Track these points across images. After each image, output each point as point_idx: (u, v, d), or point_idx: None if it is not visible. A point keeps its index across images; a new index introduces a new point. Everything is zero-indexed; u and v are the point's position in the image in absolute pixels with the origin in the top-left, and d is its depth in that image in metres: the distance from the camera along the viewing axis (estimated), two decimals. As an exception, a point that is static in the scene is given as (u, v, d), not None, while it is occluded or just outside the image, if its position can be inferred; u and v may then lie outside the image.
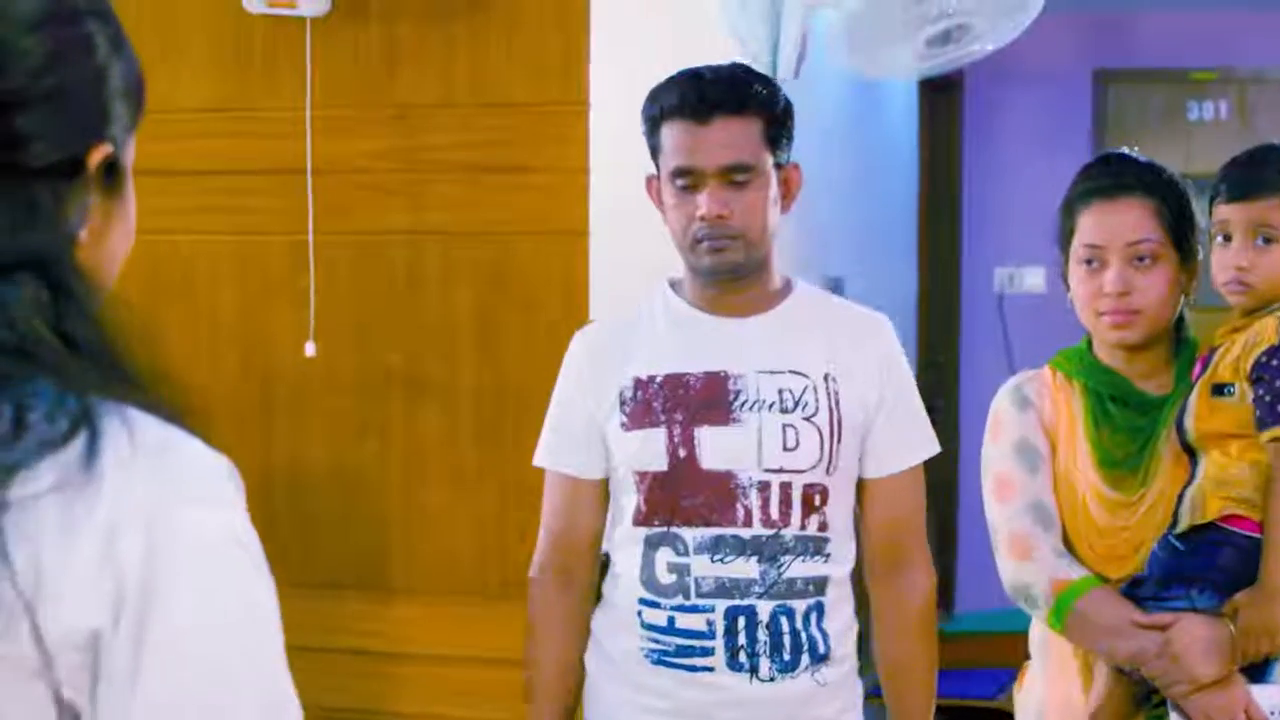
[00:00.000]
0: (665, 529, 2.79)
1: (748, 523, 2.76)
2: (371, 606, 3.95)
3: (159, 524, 1.19)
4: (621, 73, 3.81)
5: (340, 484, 3.96)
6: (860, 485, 2.88)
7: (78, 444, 1.18)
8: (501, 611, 3.79)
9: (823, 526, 2.79)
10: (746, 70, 2.84)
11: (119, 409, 1.23)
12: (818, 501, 2.79)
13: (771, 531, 2.76)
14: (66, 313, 1.23)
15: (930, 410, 3.00)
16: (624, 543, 2.87)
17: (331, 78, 3.91)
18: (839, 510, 2.82)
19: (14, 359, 1.20)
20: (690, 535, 2.77)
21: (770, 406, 2.77)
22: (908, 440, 2.89)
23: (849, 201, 5.90)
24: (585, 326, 3.05)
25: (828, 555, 2.80)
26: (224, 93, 4.00)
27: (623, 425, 2.83)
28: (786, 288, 2.90)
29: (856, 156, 6.18)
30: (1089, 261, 2.80)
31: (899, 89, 6.96)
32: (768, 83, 2.84)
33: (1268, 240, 2.70)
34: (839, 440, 2.79)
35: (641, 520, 2.82)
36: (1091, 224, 2.81)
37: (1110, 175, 2.84)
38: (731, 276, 2.81)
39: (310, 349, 3.90)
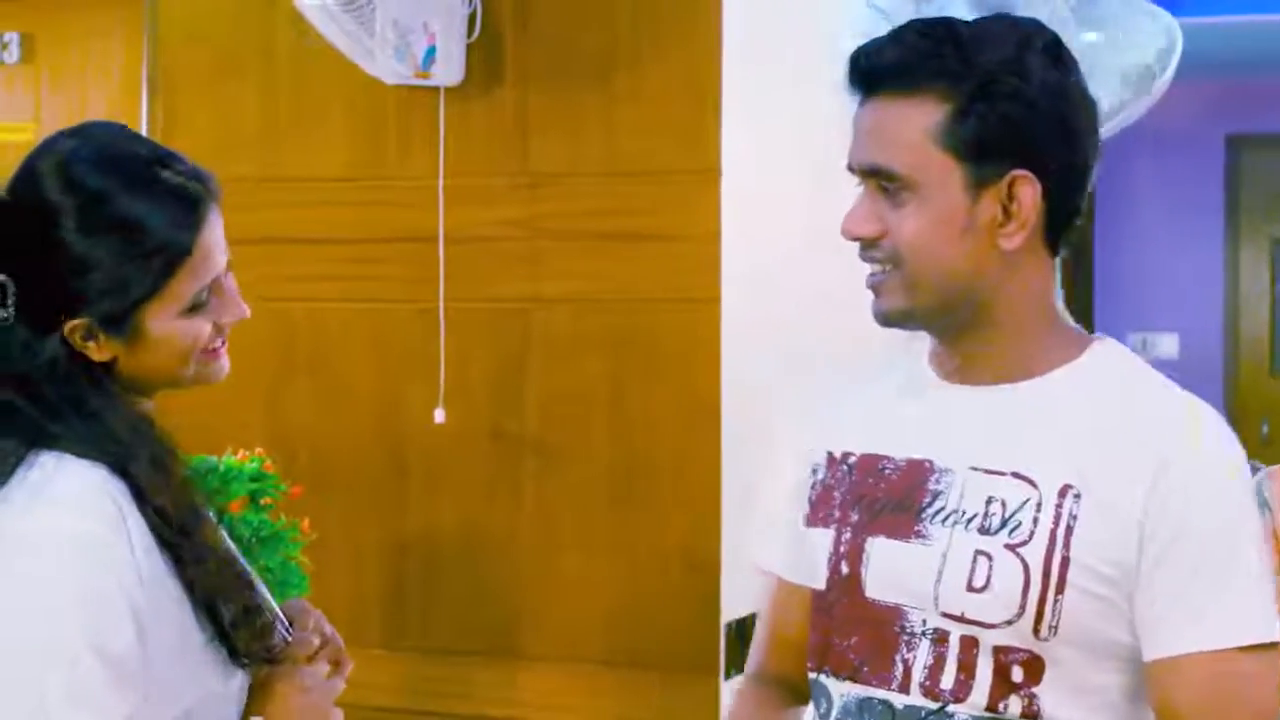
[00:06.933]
0: (816, 675, 1.98)
1: (904, 686, 1.88)
2: (500, 673, 3.94)
3: None
4: (752, 139, 3.82)
5: (470, 550, 3.96)
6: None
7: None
8: (630, 679, 3.77)
9: (1030, 713, 1.83)
10: (971, 28, 1.89)
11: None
12: (1019, 676, 1.83)
13: (934, 705, 1.86)
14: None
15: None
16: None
17: (464, 146, 3.93)
18: (1067, 697, 1.84)
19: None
20: (836, 691, 1.95)
21: (969, 522, 1.86)
22: (1201, 607, 1.80)
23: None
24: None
25: None
26: (358, 161, 4.04)
27: (805, 517, 2.02)
28: (1073, 349, 1.93)
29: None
30: None
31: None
32: (982, 48, 1.85)
33: None
34: (1058, 589, 1.81)
35: (808, 656, 2.02)
36: None
37: None
38: (909, 328, 1.97)
39: (440, 415, 3.91)
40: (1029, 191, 1.85)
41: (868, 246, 1.89)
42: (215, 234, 1.92)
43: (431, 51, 3.74)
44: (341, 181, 4.07)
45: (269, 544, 3.38)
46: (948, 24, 1.89)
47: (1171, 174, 7.63)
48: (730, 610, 3.73)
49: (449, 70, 3.82)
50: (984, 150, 1.84)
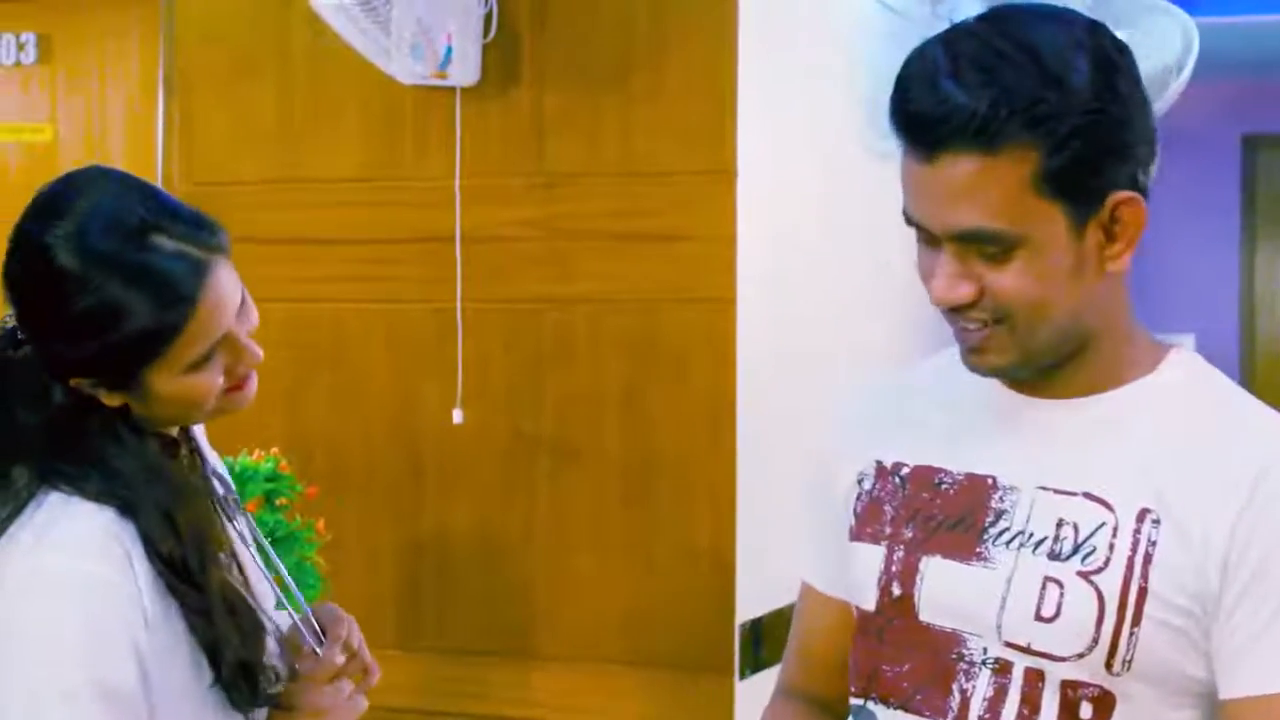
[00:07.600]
0: (861, 701, 1.86)
1: (961, 718, 1.76)
2: (516, 673, 3.94)
3: None
4: (768, 140, 3.81)
5: (486, 550, 3.96)
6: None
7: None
8: (645, 679, 3.77)
9: None
10: (1023, 49, 1.66)
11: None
12: (1088, 712, 1.70)
13: None
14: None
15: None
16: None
17: (480, 147, 3.93)
18: None
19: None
20: (885, 719, 1.83)
21: (1036, 545, 1.73)
22: None
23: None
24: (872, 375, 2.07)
25: None
26: (374, 161, 4.04)
27: (850, 530, 1.90)
28: (1148, 360, 1.83)
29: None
30: None
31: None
32: (1060, 80, 1.64)
33: None
34: (1134, 621, 1.68)
35: (851, 680, 1.90)
36: None
37: None
38: (1016, 376, 1.82)
39: (458, 416, 3.92)
40: (1134, 211, 1.73)
41: (964, 307, 1.74)
42: (220, 291, 1.87)
43: (449, 52, 3.74)
44: (358, 182, 4.07)
45: (284, 545, 3.38)
46: (1003, 58, 1.66)
47: (1187, 174, 7.61)
48: (745, 610, 3.73)
49: (465, 70, 3.82)
50: (1084, 184, 1.69)
